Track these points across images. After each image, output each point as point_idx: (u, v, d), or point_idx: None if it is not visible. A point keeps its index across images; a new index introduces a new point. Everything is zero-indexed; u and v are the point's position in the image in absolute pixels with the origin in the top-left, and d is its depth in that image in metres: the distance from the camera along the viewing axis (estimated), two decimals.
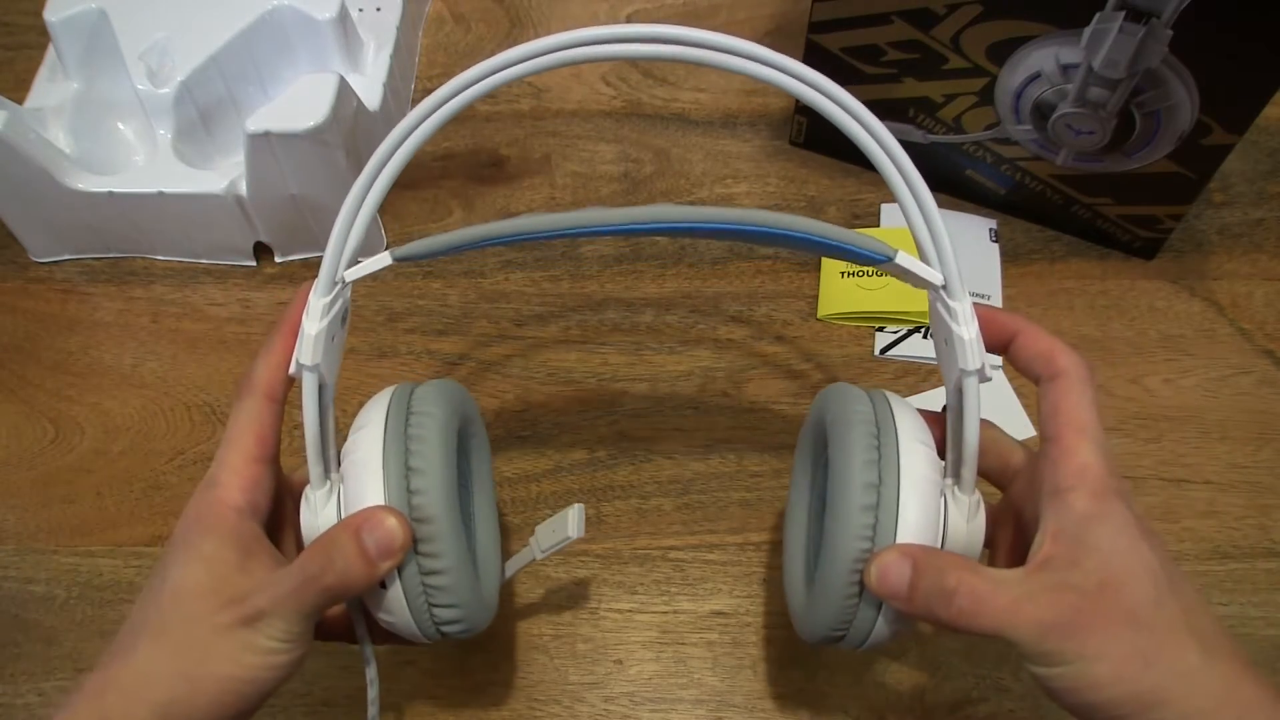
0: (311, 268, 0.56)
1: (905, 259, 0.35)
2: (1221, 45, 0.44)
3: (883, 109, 0.54)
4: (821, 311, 0.54)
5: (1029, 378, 0.35)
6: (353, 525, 0.32)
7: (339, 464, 0.35)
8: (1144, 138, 0.49)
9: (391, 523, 0.32)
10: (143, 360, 0.54)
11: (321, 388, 0.34)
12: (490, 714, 0.44)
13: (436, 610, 0.34)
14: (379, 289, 0.55)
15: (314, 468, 0.34)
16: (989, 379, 0.34)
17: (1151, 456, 0.50)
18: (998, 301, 0.54)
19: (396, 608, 0.34)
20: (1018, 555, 0.34)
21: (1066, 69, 0.48)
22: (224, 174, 0.52)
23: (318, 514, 0.34)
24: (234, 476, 0.34)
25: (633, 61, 0.63)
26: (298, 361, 0.34)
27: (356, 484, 0.33)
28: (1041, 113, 0.51)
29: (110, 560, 0.48)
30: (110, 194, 0.52)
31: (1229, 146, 0.48)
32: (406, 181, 0.59)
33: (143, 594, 0.34)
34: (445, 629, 0.35)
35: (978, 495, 0.34)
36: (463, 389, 0.39)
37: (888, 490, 0.33)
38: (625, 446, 0.50)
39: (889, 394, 0.37)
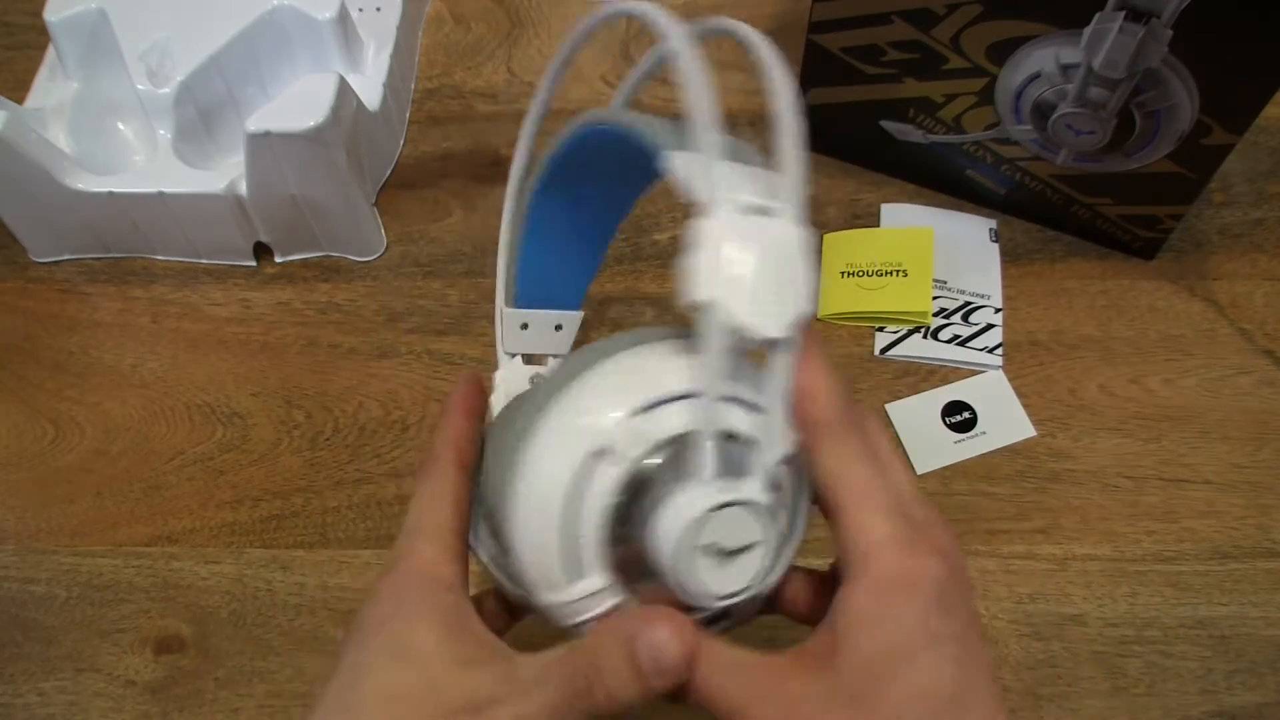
0: (311, 267, 0.56)
1: (680, 162, 0.27)
2: (1222, 45, 0.44)
3: (883, 109, 0.55)
4: (821, 311, 0.54)
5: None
6: (622, 633, 0.26)
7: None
8: (1144, 138, 0.49)
9: (668, 627, 0.25)
10: (143, 360, 0.54)
11: None
12: None
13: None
14: (379, 289, 0.55)
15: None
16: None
17: (1151, 456, 0.50)
18: (998, 302, 0.54)
19: None
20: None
21: (1066, 69, 0.48)
22: (224, 174, 0.52)
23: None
24: (436, 547, 0.29)
25: (634, 60, 0.63)
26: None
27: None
28: (1041, 113, 0.51)
29: (110, 560, 0.48)
30: (110, 194, 0.52)
31: (1229, 146, 0.48)
32: (406, 181, 0.59)
33: (330, 688, 0.27)
34: None
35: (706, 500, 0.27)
36: None
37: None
38: None
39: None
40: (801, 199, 0.27)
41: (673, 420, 0.27)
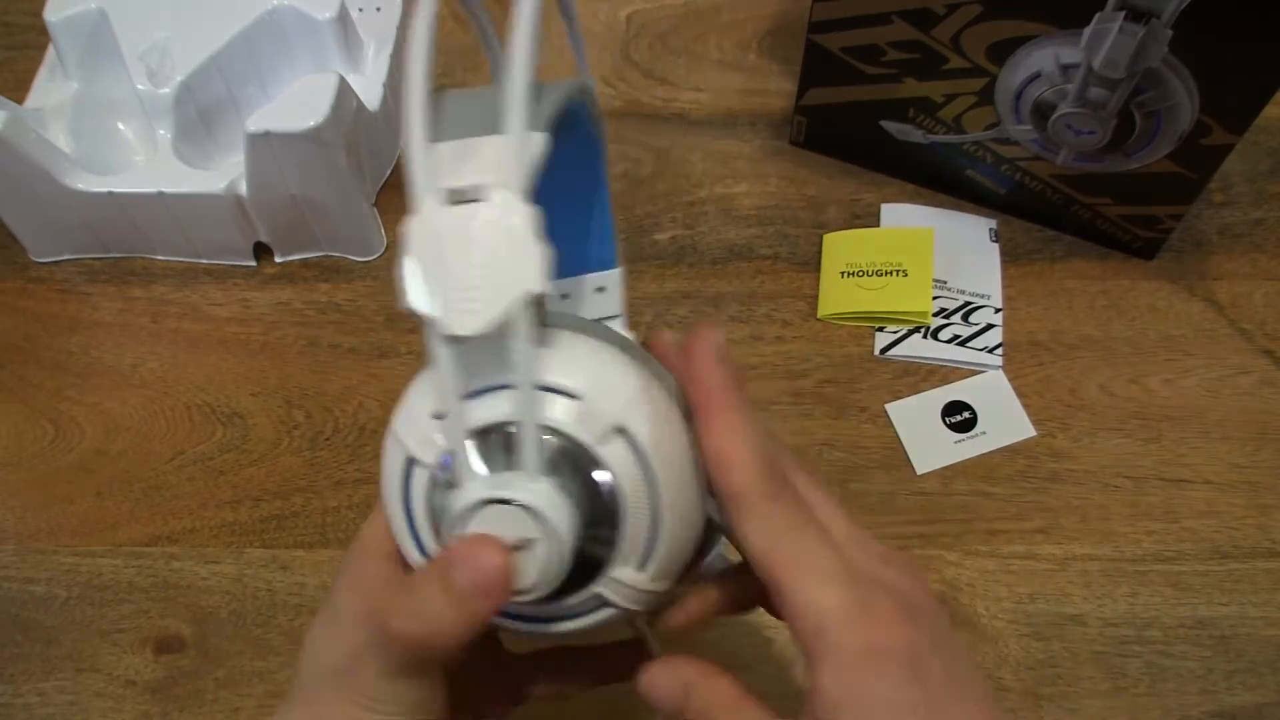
0: (311, 267, 0.56)
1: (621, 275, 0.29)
2: (1222, 45, 0.44)
3: (883, 109, 0.55)
4: (821, 311, 0.54)
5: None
6: (443, 559, 0.25)
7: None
8: (1144, 138, 0.49)
9: (482, 552, 0.25)
10: (143, 360, 0.54)
11: None
12: None
13: None
14: (379, 289, 0.55)
15: (528, 447, 0.25)
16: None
17: (1151, 456, 0.50)
18: (998, 302, 0.54)
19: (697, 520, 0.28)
20: None
21: (1066, 69, 0.48)
22: (224, 174, 0.52)
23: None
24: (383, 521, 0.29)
25: (634, 61, 0.63)
26: (528, 293, 0.24)
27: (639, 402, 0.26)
28: (1041, 113, 0.51)
29: (110, 560, 0.48)
30: (110, 194, 0.52)
31: (1229, 146, 0.48)
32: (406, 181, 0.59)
33: None
34: None
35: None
36: None
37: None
38: None
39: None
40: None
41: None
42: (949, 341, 0.53)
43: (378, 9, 0.61)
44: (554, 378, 0.26)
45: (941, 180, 0.57)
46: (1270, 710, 0.43)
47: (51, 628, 0.46)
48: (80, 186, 0.52)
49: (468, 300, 0.24)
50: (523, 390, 0.25)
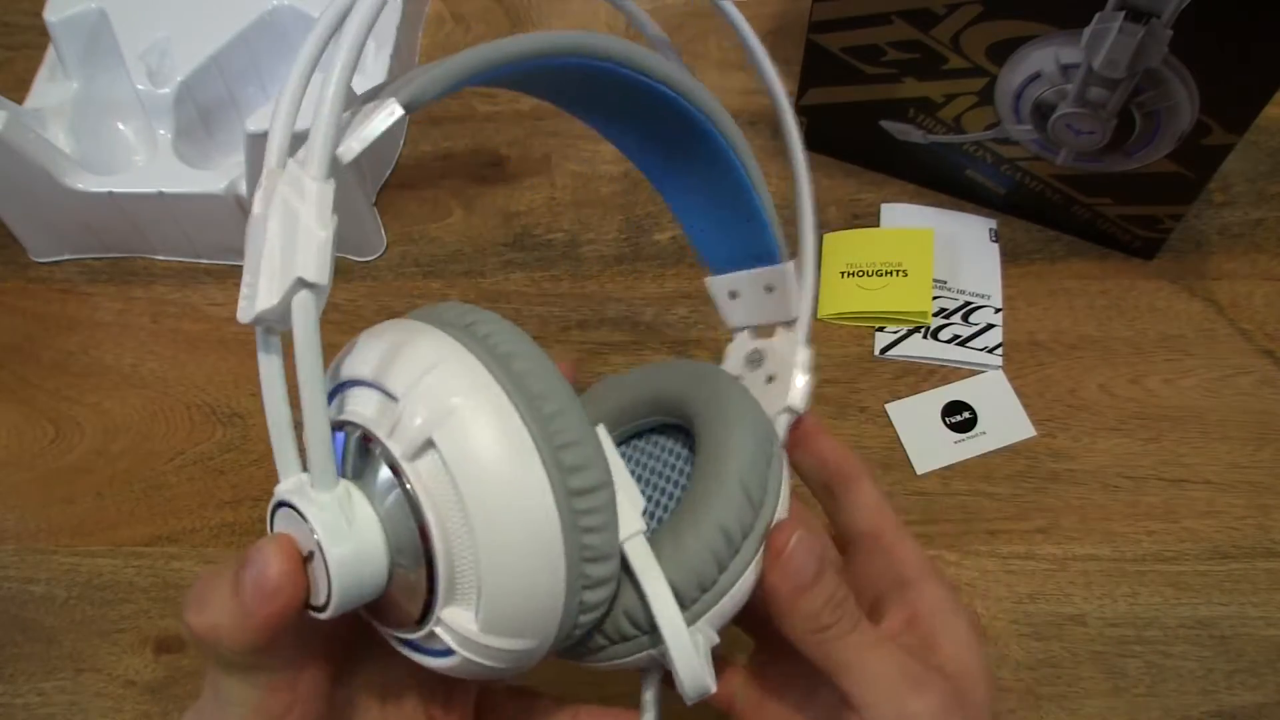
0: None
1: (790, 273, 0.30)
2: (1221, 45, 0.44)
3: (883, 109, 0.55)
4: (821, 311, 0.54)
5: (813, 484, 0.34)
6: (243, 555, 0.24)
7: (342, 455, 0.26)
8: (1144, 138, 0.49)
9: (270, 553, 0.23)
10: (143, 360, 0.54)
11: None
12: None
13: (588, 547, 0.25)
14: (379, 289, 0.55)
15: (315, 452, 0.23)
16: (820, 426, 0.33)
17: (1151, 456, 0.50)
18: (998, 302, 0.54)
19: (547, 581, 0.24)
20: None
21: (1066, 69, 0.48)
22: (224, 174, 0.52)
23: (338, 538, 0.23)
24: None
25: None
26: (300, 280, 0.23)
27: (452, 420, 0.23)
28: (1041, 113, 0.51)
29: (110, 560, 0.48)
30: (110, 194, 0.52)
31: (1229, 146, 0.48)
32: (407, 181, 0.59)
33: None
34: (590, 592, 0.26)
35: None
36: None
37: (772, 477, 0.29)
38: None
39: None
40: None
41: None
42: (949, 341, 0.53)
43: None
44: (370, 373, 0.24)
45: (941, 180, 0.57)
46: (1270, 710, 0.43)
47: (51, 628, 0.46)
48: (80, 186, 0.52)
49: (249, 287, 0.23)
50: (305, 385, 0.23)
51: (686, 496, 0.29)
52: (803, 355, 0.32)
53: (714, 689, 0.28)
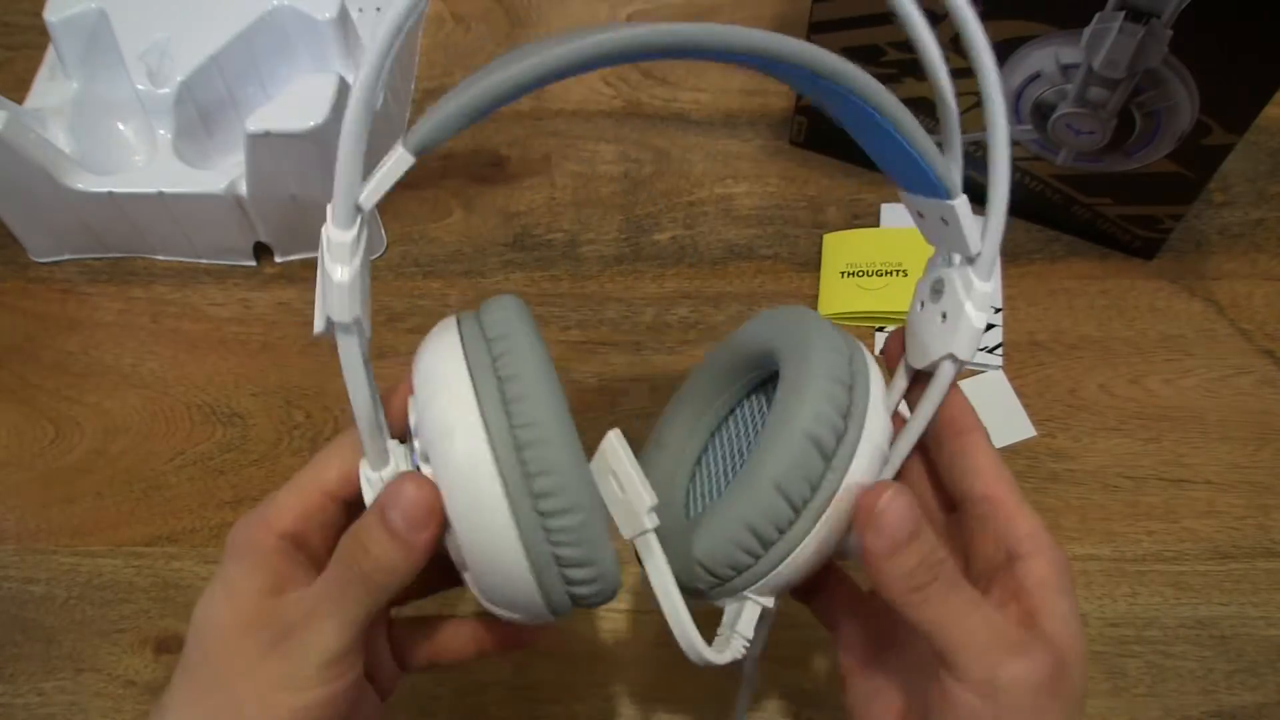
0: (311, 267, 0.56)
1: (964, 207, 0.29)
2: (1222, 45, 0.44)
3: None
4: (821, 311, 0.54)
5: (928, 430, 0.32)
6: (379, 505, 0.28)
7: (401, 438, 0.31)
8: (1144, 138, 0.49)
9: (410, 489, 0.28)
10: (143, 360, 0.54)
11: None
12: (490, 714, 0.44)
13: (564, 558, 0.28)
14: (379, 289, 0.55)
15: (370, 443, 0.29)
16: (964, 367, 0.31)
17: (1151, 456, 0.50)
18: (998, 301, 0.54)
19: (515, 575, 0.28)
20: None
21: (1066, 69, 0.48)
22: (224, 174, 0.52)
23: None
24: (292, 500, 0.31)
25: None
26: (328, 319, 0.27)
27: (443, 440, 0.28)
28: (1041, 113, 0.51)
29: (110, 560, 0.48)
30: (110, 194, 0.52)
31: (1229, 146, 0.48)
32: (407, 181, 0.59)
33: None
34: (581, 602, 0.30)
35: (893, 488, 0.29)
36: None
37: (844, 449, 0.29)
38: None
39: (865, 351, 0.33)
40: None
41: None
42: None
43: (377, 9, 0.61)
44: (414, 386, 0.30)
45: None
46: (1270, 710, 0.43)
47: (51, 628, 0.46)
48: (80, 186, 0.52)
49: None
50: (353, 398, 0.28)
51: (745, 464, 0.32)
52: (978, 292, 0.29)
53: (716, 662, 0.31)
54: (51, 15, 0.54)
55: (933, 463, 0.33)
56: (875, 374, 0.31)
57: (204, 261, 0.57)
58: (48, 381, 0.53)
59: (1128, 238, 0.55)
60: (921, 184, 0.30)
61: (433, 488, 0.28)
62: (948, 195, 0.29)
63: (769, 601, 0.31)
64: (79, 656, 0.46)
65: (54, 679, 0.45)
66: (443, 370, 0.29)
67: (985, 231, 0.29)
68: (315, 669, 0.28)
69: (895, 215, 0.57)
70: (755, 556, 0.30)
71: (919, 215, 0.32)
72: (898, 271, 0.54)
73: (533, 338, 0.29)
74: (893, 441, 0.31)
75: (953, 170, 0.29)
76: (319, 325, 0.27)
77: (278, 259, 0.56)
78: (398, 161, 0.27)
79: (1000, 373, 0.52)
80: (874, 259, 0.54)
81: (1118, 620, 0.45)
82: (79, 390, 0.53)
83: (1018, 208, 0.56)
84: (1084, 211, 0.55)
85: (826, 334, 0.32)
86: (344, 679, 0.28)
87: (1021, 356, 0.52)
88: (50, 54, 0.58)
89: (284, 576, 0.30)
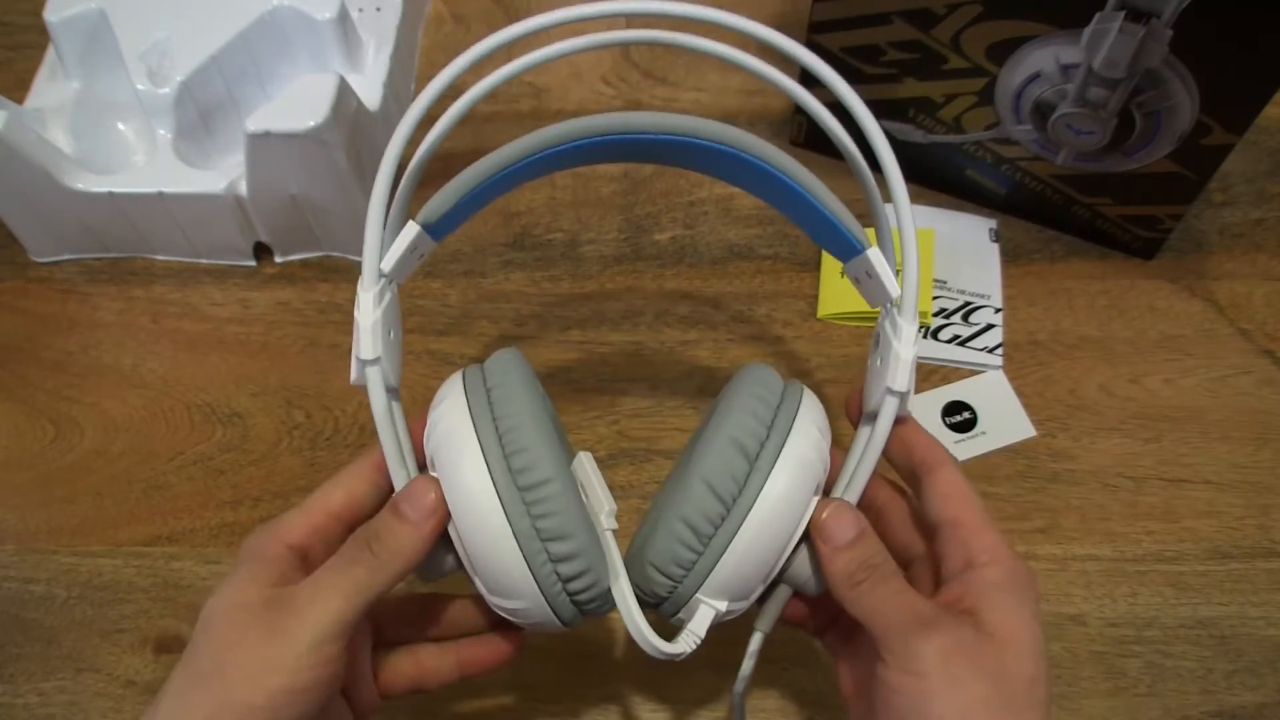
0: (311, 267, 0.56)
1: (876, 256, 0.35)
2: (1222, 45, 0.44)
3: (883, 109, 0.55)
4: (821, 311, 0.54)
5: (904, 471, 0.36)
6: (393, 500, 0.33)
7: (422, 468, 0.35)
8: (1144, 138, 0.49)
9: (420, 485, 0.33)
10: (143, 360, 0.54)
11: (388, 390, 0.34)
12: (490, 714, 0.44)
13: (544, 530, 0.32)
14: None
15: (396, 473, 0.34)
16: (908, 415, 0.35)
17: (1151, 456, 0.50)
18: (998, 302, 0.54)
19: (522, 584, 0.32)
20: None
21: (1066, 69, 0.48)
22: (224, 174, 0.52)
23: None
24: (301, 518, 0.34)
25: (634, 61, 0.63)
26: (358, 359, 0.33)
27: (453, 469, 0.33)
28: (1041, 113, 0.51)
29: (110, 560, 0.48)
30: (110, 194, 0.52)
31: (1229, 146, 0.48)
32: None
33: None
34: (577, 597, 0.34)
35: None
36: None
37: (766, 453, 0.33)
38: (625, 446, 0.50)
39: (804, 388, 0.37)
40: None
41: None
42: (949, 341, 0.53)
43: (378, 9, 0.61)
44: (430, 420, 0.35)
45: (941, 180, 0.57)
46: (1270, 710, 0.43)
47: (51, 628, 0.46)
48: (80, 186, 0.52)
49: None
50: (382, 436, 0.34)
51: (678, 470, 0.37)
52: (904, 332, 0.34)
53: (668, 652, 0.34)
54: (51, 15, 0.54)
55: (913, 504, 0.37)
56: (811, 401, 0.36)
57: (204, 261, 0.57)
58: (48, 381, 0.53)
59: (1128, 238, 0.55)
60: (841, 245, 0.36)
61: (438, 485, 0.33)
62: (862, 247, 0.34)
63: (721, 605, 0.34)
64: (79, 656, 0.46)
65: (54, 679, 0.45)
66: (447, 409, 0.34)
67: (903, 276, 0.34)
68: (307, 647, 0.29)
69: (895, 218, 0.57)
70: (696, 552, 0.33)
71: (856, 281, 0.37)
72: (897, 272, 0.54)
73: (526, 385, 0.34)
74: (851, 470, 0.36)
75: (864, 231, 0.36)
76: (353, 375, 0.33)
77: (278, 259, 0.56)
78: (406, 231, 0.34)
79: (1000, 373, 0.52)
80: None
81: (1118, 620, 0.45)
82: (79, 390, 0.53)
83: (1018, 208, 0.56)
84: (1084, 211, 0.55)
85: (764, 372, 0.36)
86: (331, 666, 0.30)
87: (1021, 356, 0.52)
88: (50, 54, 0.58)
89: (288, 578, 0.32)
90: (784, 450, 0.33)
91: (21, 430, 0.52)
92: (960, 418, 0.51)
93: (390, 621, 0.37)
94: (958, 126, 0.54)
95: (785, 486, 0.33)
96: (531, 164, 0.34)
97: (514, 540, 0.32)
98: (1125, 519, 0.48)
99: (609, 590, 0.34)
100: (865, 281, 0.36)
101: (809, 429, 0.34)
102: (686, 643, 0.34)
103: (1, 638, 0.46)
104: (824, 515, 0.33)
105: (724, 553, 0.33)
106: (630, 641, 0.45)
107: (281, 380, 0.53)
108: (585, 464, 0.35)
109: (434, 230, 0.35)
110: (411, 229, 0.34)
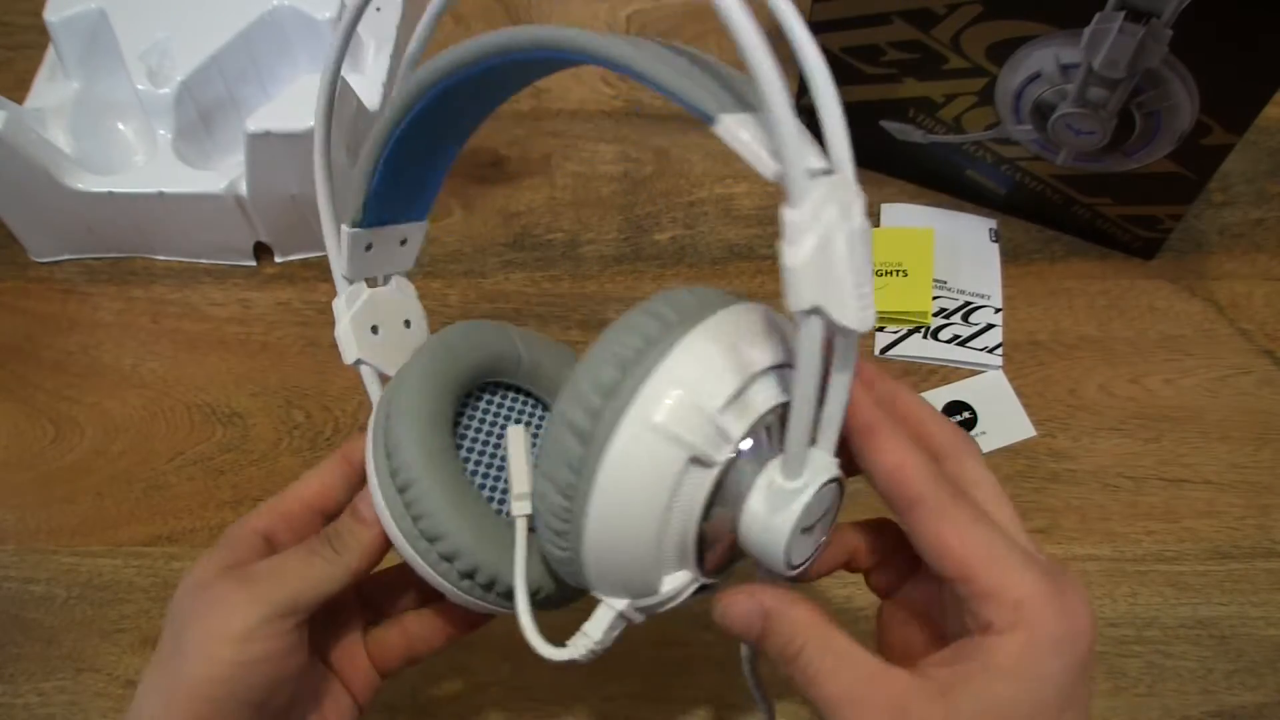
0: (311, 267, 0.56)
1: (729, 125, 0.25)
2: (1221, 45, 0.44)
3: (883, 109, 0.55)
4: None
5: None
6: (351, 504, 0.34)
7: None
8: (1144, 138, 0.49)
9: (365, 503, 0.33)
10: (143, 360, 0.54)
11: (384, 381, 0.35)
12: (490, 714, 0.44)
13: (459, 568, 0.32)
14: None
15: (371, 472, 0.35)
16: (837, 322, 0.24)
17: (1151, 456, 0.50)
18: (998, 302, 0.54)
19: (433, 581, 0.32)
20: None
21: (1066, 69, 0.48)
22: (224, 174, 0.52)
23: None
24: (273, 503, 0.34)
25: None
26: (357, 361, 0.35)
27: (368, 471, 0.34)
28: (1041, 113, 0.51)
29: (110, 560, 0.48)
30: (110, 194, 0.52)
31: (1229, 146, 0.48)
32: None
33: None
34: (489, 593, 0.32)
35: (810, 487, 0.27)
36: (476, 332, 0.36)
37: (600, 429, 0.27)
38: None
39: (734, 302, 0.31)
40: (849, 155, 0.26)
41: (756, 407, 0.27)
42: (949, 341, 0.53)
43: (378, 9, 0.61)
44: None
45: (941, 180, 0.57)
46: (1270, 710, 0.43)
47: (51, 628, 0.46)
48: (80, 186, 0.52)
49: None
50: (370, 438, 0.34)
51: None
52: (795, 216, 0.24)
53: (545, 654, 0.31)
54: (51, 15, 0.54)
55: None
56: (713, 321, 0.30)
57: (204, 261, 0.57)
58: (48, 381, 0.53)
59: (1128, 238, 0.55)
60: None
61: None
62: (710, 117, 0.25)
63: (621, 604, 0.30)
64: (79, 656, 0.46)
65: (54, 679, 0.45)
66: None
67: (779, 143, 0.24)
68: (259, 620, 0.30)
69: (895, 215, 0.57)
70: (566, 523, 0.28)
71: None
72: (898, 271, 0.54)
73: (422, 375, 0.33)
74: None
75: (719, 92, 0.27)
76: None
77: (278, 259, 0.56)
78: (342, 234, 0.34)
79: (1000, 373, 0.52)
80: (874, 259, 0.54)
81: (1118, 620, 0.45)
82: (79, 390, 0.53)
83: (1018, 208, 0.56)
84: (1084, 211, 0.55)
85: (677, 293, 0.31)
86: (283, 640, 0.30)
87: (1021, 356, 0.52)
88: (50, 54, 0.58)
89: (247, 559, 0.32)
90: (651, 376, 0.27)
91: (21, 430, 0.52)
92: (960, 418, 0.51)
93: (383, 595, 0.37)
94: (958, 126, 0.54)
95: (655, 416, 0.26)
96: (411, 123, 0.31)
97: (405, 541, 0.32)
98: (1125, 519, 0.48)
99: (481, 566, 0.32)
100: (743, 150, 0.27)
101: (696, 347, 0.28)
102: (578, 647, 0.30)
103: (1, 638, 0.46)
104: (715, 614, 0.28)
105: (583, 535, 0.28)
106: (630, 642, 0.45)
107: (281, 380, 0.53)
108: (512, 440, 0.33)
109: (365, 222, 0.33)
110: (344, 232, 0.33)
